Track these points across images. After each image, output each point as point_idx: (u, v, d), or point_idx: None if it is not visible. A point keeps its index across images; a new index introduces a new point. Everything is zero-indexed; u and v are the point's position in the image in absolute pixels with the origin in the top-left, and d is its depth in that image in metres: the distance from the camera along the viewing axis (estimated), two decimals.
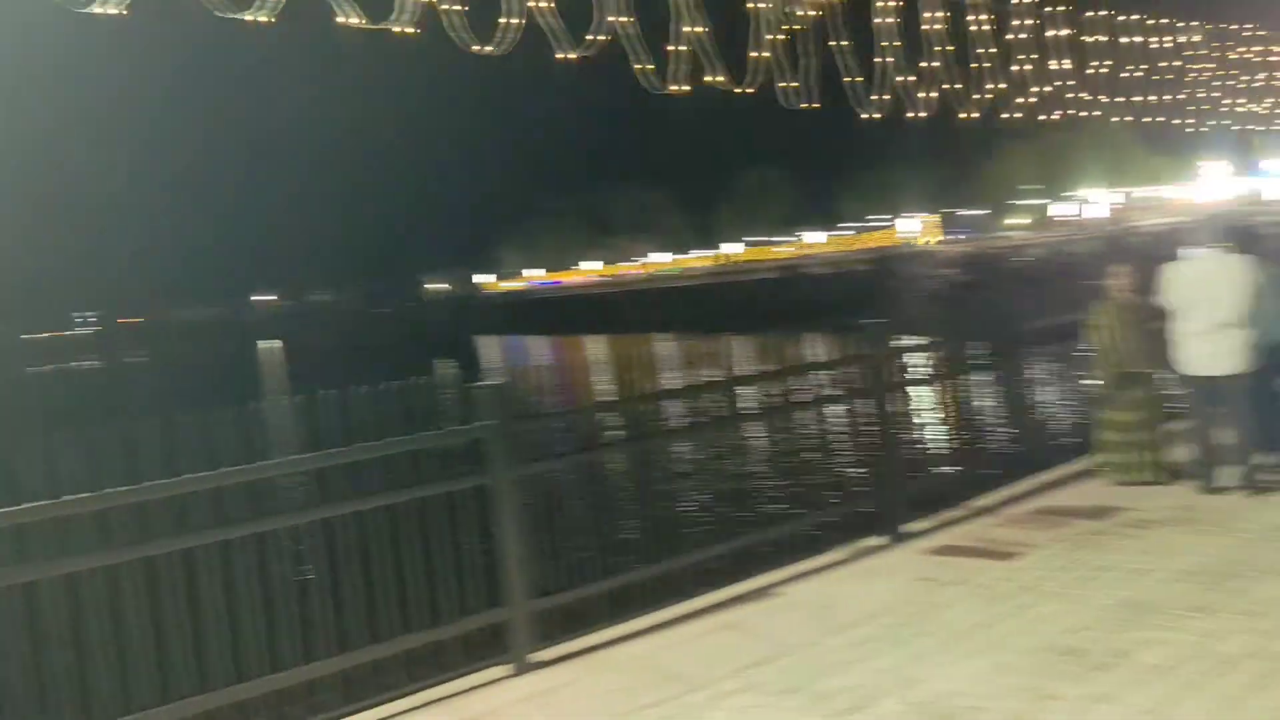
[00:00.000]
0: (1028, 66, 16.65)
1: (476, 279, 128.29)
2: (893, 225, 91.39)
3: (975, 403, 7.35)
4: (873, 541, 6.37)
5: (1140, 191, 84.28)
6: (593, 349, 47.79)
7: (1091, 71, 20.49)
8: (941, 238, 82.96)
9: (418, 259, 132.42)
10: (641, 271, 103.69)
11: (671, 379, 5.80)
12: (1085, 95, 20.95)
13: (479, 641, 4.78)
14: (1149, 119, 25.32)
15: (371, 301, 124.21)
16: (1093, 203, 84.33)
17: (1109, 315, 7.09)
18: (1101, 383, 7.13)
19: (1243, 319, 6.44)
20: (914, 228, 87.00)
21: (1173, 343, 6.79)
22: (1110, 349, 7.06)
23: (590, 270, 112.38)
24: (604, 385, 5.87)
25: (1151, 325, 7.16)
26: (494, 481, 4.74)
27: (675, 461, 5.64)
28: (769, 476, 6.09)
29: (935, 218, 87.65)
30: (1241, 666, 4.05)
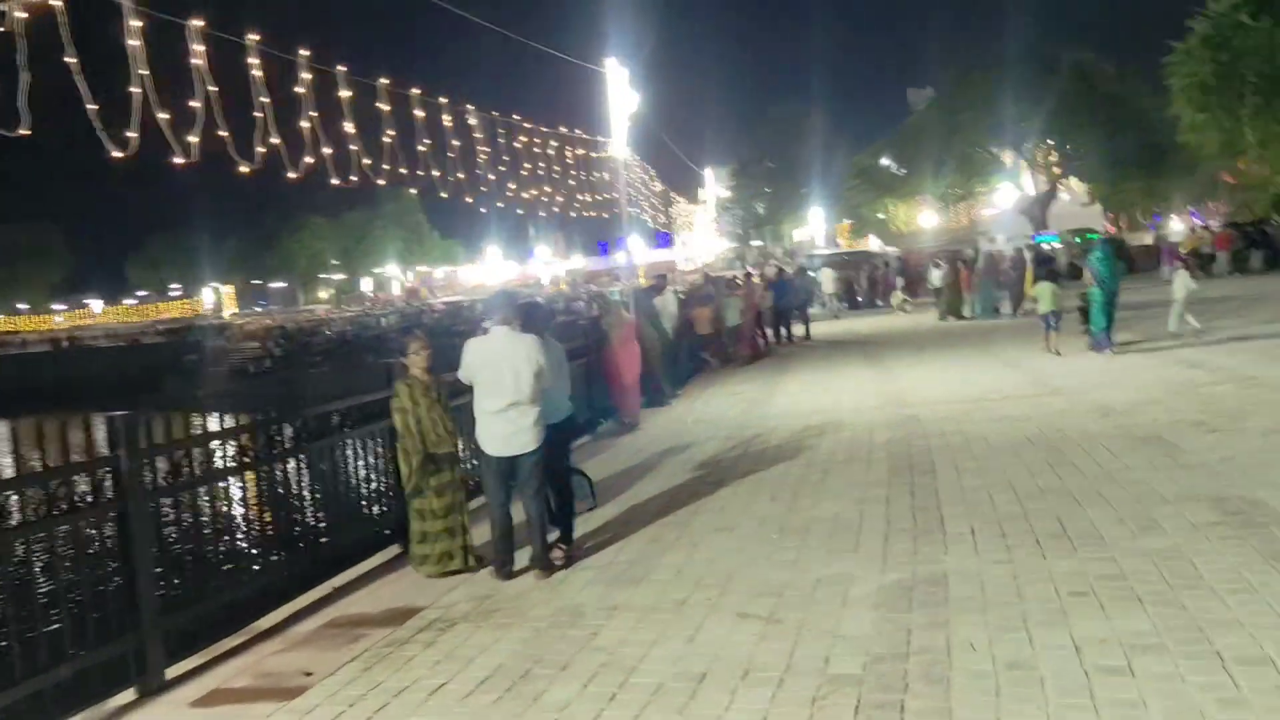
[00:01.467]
0: (308, 125, 15.92)
1: None
2: (190, 295, 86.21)
3: (272, 495, 6.24)
4: (123, 698, 4.88)
5: (439, 270, 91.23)
6: None
7: (388, 141, 20.57)
8: (236, 310, 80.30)
9: None
10: None
11: None
12: (384, 165, 21.01)
13: None
14: (444, 195, 26.61)
15: None
16: (393, 278, 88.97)
17: (410, 395, 6.55)
18: (408, 468, 6.55)
19: (534, 396, 6.33)
20: (214, 298, 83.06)
21: (475, 421, 6.48)
22: (413, 431, 6.52)
23: None
24: None
25: (451, 403, 6.81)
26: None
27: None
28: None
29: (231, 288, 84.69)
30: None
